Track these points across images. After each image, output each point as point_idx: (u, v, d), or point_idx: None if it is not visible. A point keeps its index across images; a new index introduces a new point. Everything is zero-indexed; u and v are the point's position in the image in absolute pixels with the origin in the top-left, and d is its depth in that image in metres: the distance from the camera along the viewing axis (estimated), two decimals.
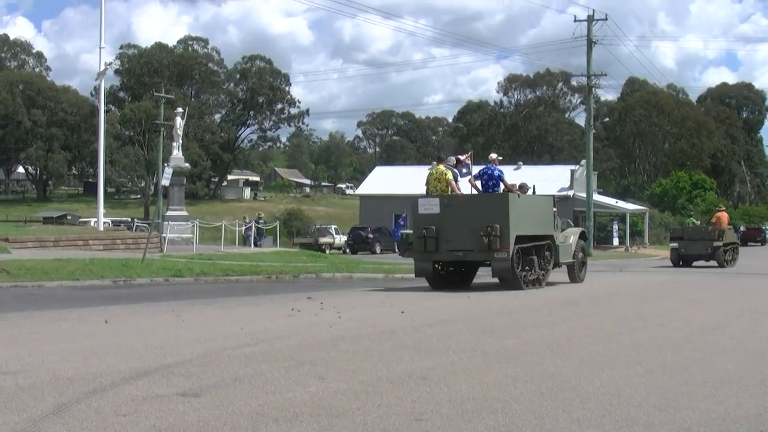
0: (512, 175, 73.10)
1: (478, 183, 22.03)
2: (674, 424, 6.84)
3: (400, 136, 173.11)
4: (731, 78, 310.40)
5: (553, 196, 29.18)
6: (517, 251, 20.53)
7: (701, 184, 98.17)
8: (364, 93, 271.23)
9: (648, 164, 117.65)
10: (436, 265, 21.69)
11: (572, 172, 73.37)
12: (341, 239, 66.04)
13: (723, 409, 7.36)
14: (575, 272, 24.27)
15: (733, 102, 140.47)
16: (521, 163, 78.44)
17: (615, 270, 28.37)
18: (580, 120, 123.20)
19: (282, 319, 13.75)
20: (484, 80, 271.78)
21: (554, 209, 23.62)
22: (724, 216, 41.29)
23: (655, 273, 33.61)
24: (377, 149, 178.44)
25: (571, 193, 68.43)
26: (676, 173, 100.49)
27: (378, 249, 62.47)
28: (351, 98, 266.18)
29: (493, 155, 23.04)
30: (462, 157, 24.28)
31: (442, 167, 21.51)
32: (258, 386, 7.94)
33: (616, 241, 72.08)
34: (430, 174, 21.53)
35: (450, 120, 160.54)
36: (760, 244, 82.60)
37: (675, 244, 40.63)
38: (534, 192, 23.60)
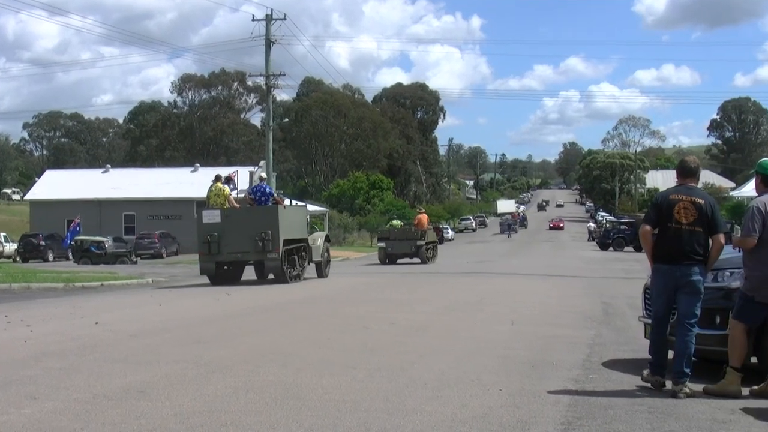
0: (190, 177, 73.09)
1: (251, 197, 26.01)
2: (407, 428, 6.90)
3: (69, 138, 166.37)
4: (405, 78, 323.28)
5: (305, 205, 35.09)
6: (285, 252, 24.75)
7: (379, 184, 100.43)
8: (30, 93, 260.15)
9: (325, 165, 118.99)
10: (216, 265, 24.97)
11: (251, 173, 73.24)
12: (11, 247, 62.89)
13: (450, 411, 7.51)
14: (322, 269, 28.46)
15: (408, 102, 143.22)
16: (198, 165, 77.93)
17: (309, 273, 28.53)
18: (256, 121, 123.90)
19: None
20: (156, 80, 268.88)
21: (308, 217, 29.37)
22: (424, 217, 45.65)
23: (364, 274, 34.16)
24: (45, 152, 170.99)
25: None
26: (354, 174, 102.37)
27: (51, 257, 59.73)
28: (16, 99, 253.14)
29: (263, 175, 29.63)
30: (231, 175, 30.82)
31: (219, 185, 25.44)
32: None
33: None
34: (210, 191, 25.41)
35: (121, 121, 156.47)
36: (438, 242, 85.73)
37: (383, 244, 44.02)
38: (291, 203, 29.12)
